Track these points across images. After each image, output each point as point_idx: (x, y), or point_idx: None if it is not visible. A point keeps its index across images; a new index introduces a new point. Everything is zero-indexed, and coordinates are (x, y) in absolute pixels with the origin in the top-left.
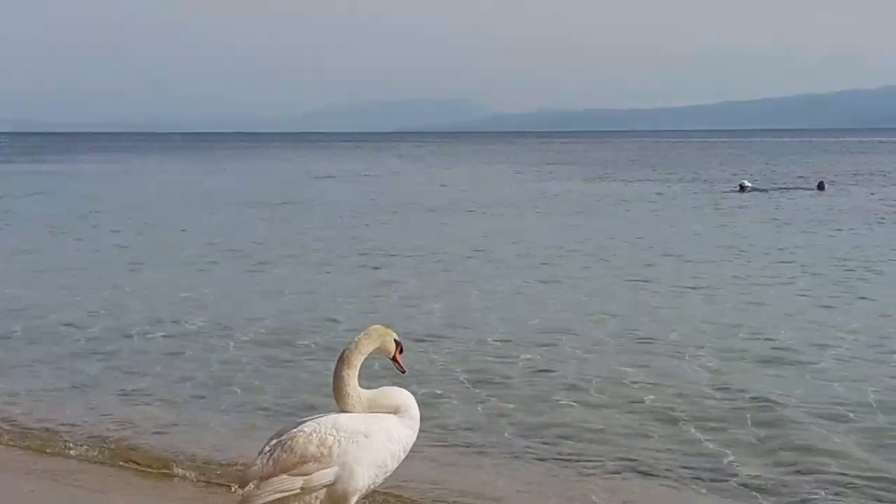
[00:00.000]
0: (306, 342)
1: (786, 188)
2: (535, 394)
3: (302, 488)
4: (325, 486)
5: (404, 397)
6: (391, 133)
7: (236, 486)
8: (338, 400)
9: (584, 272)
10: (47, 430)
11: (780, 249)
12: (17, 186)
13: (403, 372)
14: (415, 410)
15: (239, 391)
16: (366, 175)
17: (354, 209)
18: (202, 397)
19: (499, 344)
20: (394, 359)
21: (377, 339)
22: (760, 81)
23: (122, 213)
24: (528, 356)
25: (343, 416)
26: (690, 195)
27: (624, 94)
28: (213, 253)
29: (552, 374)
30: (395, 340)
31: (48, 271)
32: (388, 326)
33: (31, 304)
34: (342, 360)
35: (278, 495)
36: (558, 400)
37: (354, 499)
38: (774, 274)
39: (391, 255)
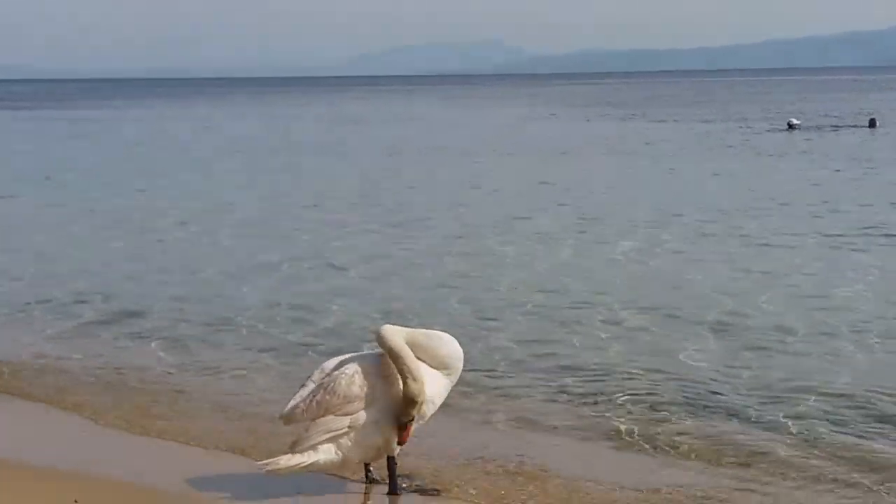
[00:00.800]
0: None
1: (836, 126)
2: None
3: (349, 427)
4: (372, 423)
5: (450, 354)
6: (425, 77)
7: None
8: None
9: (599, 221)
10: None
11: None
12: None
13: (401, 443)
14: (459, 363)
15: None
16: (393, 118)
17: (378, 152)
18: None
19: (498, 285)
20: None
21: (411, 381)
22: (805, 18)
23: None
24: (527, 299)
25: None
26: (735, 134)
27: (664, 34)
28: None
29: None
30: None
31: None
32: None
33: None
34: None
35: (327, 436)
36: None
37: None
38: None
39: (399, 204)
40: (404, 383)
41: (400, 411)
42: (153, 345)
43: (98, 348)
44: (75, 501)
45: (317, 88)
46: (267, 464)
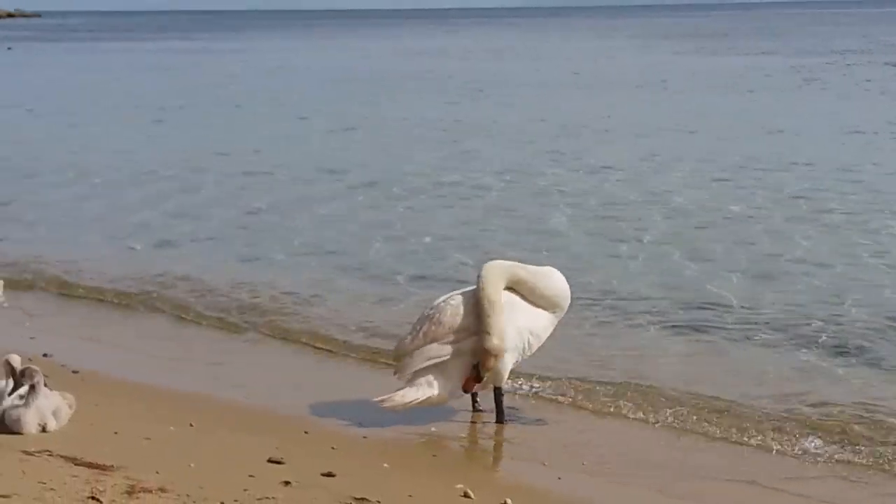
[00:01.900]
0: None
1: None
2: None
3: (453, 355)
4: (474, 351)
5: (556, 293)
6: (554, 8)
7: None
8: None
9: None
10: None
11: None
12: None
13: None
14: (564, 302)
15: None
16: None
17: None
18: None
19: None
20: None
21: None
22: None
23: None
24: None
25: None
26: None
27: None
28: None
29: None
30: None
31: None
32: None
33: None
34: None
35: (430, 362)
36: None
37: (507, 360)
38: None
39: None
40: (483, 336)
41: (478, 360)
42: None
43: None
44: (191, 424)
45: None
46: (383, 400)
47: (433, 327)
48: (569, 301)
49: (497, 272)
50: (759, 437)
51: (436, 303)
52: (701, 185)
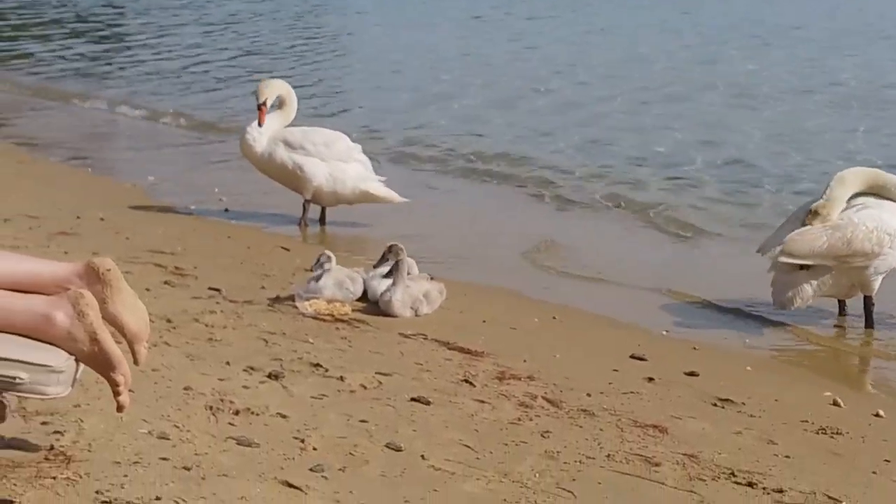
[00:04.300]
0: None
1: None
2: None
3: (834, 268)
4: (858, 270)
5: None
6: None
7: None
8: None
9: None
10: None
11: None
12: None
13: None
14: None
15: None
16: None
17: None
18: None
19: None
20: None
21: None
22: None
23: None
24: None
25: None
26: None
27: None
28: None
29: None
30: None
31: None
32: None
33: None
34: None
35: (812, 262)
36: None
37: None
38: None
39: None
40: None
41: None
42: None
43: None
44: (553, 317)
45: None
46: (778, 297)
47: (839, 245)
48: None
49: (854, 173)
50: None
51: (850, 214)
52: None
